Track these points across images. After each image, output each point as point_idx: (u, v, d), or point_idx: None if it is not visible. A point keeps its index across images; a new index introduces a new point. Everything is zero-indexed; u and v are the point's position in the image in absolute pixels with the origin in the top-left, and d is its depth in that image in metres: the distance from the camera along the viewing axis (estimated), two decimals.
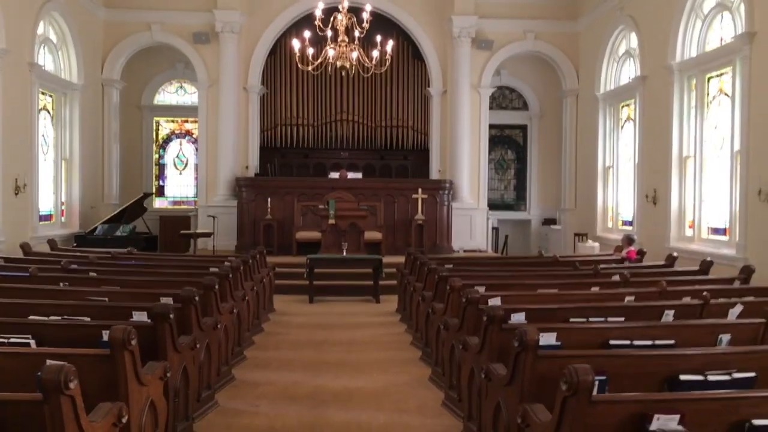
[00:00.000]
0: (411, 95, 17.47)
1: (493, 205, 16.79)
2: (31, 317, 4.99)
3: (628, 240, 10.71)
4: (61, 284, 6.95)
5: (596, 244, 13.58)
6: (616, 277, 8.10)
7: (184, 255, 12.25)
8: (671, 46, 11.40)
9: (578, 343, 4.53)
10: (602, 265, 9.76)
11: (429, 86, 16.40)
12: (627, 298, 6.31)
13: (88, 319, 5.16)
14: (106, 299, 5.95)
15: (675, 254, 9.43)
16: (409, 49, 17.30)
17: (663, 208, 11.72)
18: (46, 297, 5.79)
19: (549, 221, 17.93)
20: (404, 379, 6.55)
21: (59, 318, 5.08)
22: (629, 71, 13.69)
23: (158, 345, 4.44)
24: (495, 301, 5.97)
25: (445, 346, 5.88)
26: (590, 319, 5.40)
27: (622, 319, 5.41)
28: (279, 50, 16.99)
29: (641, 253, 10.49)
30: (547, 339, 4.50)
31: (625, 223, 13.92)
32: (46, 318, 5.02)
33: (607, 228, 14.63)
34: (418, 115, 17.48)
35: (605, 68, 14.57)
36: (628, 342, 4.62)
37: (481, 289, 6.69)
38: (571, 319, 5.39)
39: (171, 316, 4.40)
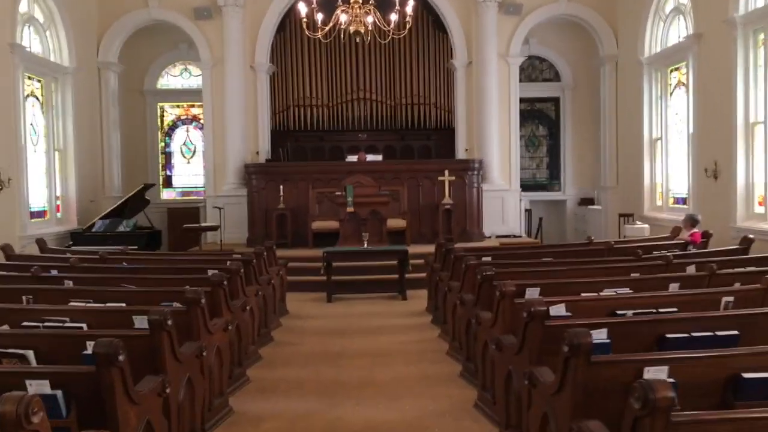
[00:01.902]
0: (433, 70, 16.08)
1: (524, 186, 15.37)
2: None
3: (691, 220, 9.28)
4: (24, 299, 5.75)
5: (646, 226, 12.15)
6: (691, 269, 6.76)
7: (185, 253, 11.07)
8: None
9: (703, 379, 3.24)
10: (666, 252, 8.43)
11: (452, 58, 14.99)
12: (725, 300, 4.97)
13: (31, 352, 3.98)
14: (67, 320, 4.75)
15: (752, 236, 8.04)
16: (429, 20, 15.90)
17: (726, 182, 10.27)
18: None
19: (586, 201, 16.50)
20: (443, 406, 5.26)
21: None
22: (679, 31, 12.17)
23: (111, 397, 3.21)
24: (559, 310, 4.69)
25: (498, 369, 4.58)
26: (693, 335, 4.09)
27: (735, 332, 4.10)
28: (288, 25, 15.67)
29: (707, 236, 9.10)
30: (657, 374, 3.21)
31: (677, 200, 12.47)
32: None
33: (655, 207, 13.18)
34: (441, 92, 16.10)
35: (650, 29, 13.05)
36: None
37: (535, 293, 5.40)
38: (668, 335, 4.08)
39: (120, 357, 3.16)
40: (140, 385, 3.49)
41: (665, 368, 3.33)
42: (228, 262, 7.31)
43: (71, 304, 5.49)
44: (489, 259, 7.54)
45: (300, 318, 8.89)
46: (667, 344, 4.07)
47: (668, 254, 6.87)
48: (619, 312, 4.81)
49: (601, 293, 5.60)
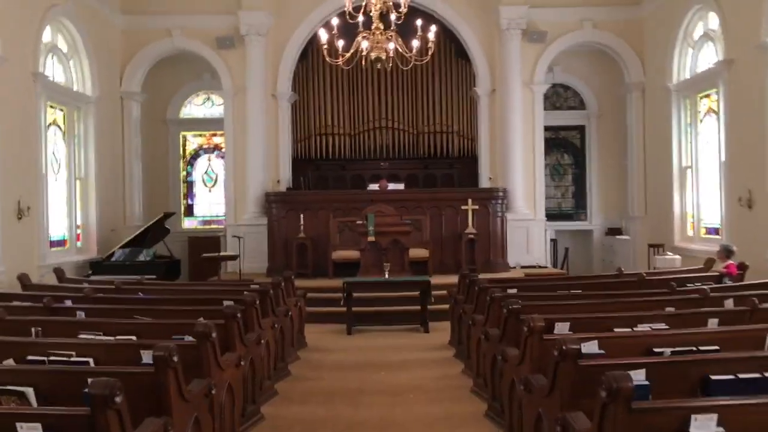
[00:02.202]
0: (455, 98, 15.96)
1: (549, 215, 15.02)
2: None
3: (726, 251, 8.91)
4: (33, 331, 5.57)
5: (677, 257, 11.75)
6: (729, 303, 6.41)
7: (203, 283, 10.89)
8: (766, 20, 9.61)
9: (754, 428, 2.92)
10: (701, 284, 8.06)
11: (475, 86, 14.81)
12: None
13: (31, 389, 3.77)
14: (73, 354, 4.55)
15: None
16: (452, 48, 15.83)
17: (762, 211, 9.88)
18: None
19: (613, 231, 16.10)
20: None
21: None
22: (708, 56, 11.89)
23: None
24: (591, 347, 4.38)
25: (527, 411, 4.28)
26: (740, 376, 3.77)
27: None
28: (310, 54, 15.67)
29: (743, 268, 8.70)
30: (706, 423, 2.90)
31: (709, 230, 12.06)
32: None
33: (686, 237, 12.77)
34: (463, 120, 15.94)
35: (677, 55, 12.78)
36: None
37: (564, 328, 5.11)
38: (713, 377, 3.76)
39: (117, 399, 2.92)
40: (140, 428, 3.24)
41: (714, 416, 3.03)
42: (245, 292, 7.12)
43: (81, 336, 5.31)
44: (515, 291, 7.25)
45: (319, 351, 8.62)
46: (713, 387, 3.75)
47: (705, 287, 6.52)
48: (656, 350, 4.50)
49: (635, 329, 5.30)
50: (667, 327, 5.31)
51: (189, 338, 4.86)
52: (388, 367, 7.58)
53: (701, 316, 5.57)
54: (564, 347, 3.57)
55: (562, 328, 5.08)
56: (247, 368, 5.39)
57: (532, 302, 6.10)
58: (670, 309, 6.20)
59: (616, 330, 5.19)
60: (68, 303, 7.18)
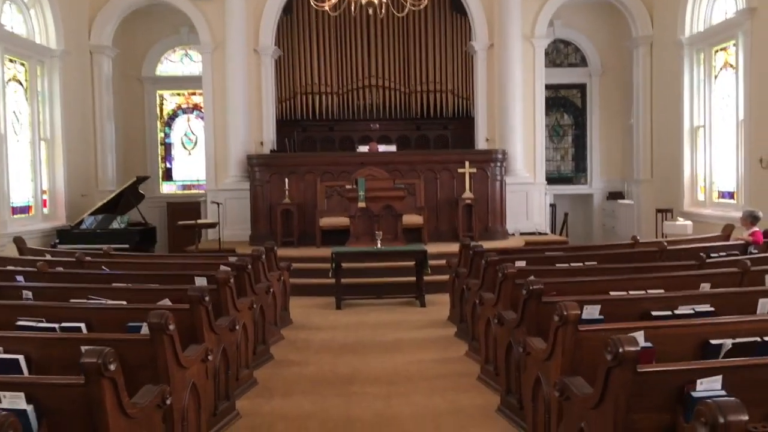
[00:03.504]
0: (450, 55, 14.96)
1: (548, 179, 14.13)
2: None
3: (752, 217, 8.12)
4: None
5: (688, 223, 10.98)
6: None
7: (177, 255, 10.05)
8: None
9: None
10: (725, 254, 7.33)
11: (471, 40, 13.82)
12: None
13: None
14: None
15: None
16: (448, 1, 14.78)
17: None
18: None
19: (615, 195, 15.35)
20: None
21: None
22: (726, 6, 10.97)
23: None
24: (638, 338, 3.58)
25: (567, 421, 3.46)
26: None
27: None
28: (295, 5, 14.61)
29: None
30: None
31: (723, 194, 11.28)
32: None
33: (697, 202, 11.99)
34: (458, 78, 14.97)
35: (691, 5, 11.84)
36: None
37: (594, 312, 4.32)
38: None
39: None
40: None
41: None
42: (220, 267, 6.28)
43: (19, 323, 4.47)
44: (524, 264, 6.46)
45: (305, 329, 7.82)
46: None
47: (744, 259, 5.73)
48: (712, 342, 3.71)
49: (676, 311, 4.51)
50: (712, 309, 4.53)
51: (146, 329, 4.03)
52: (382, 349, 6.80)
53: (747, 296, 4.78)
54: (620, 350, 2.75)
55: (591, 312, 4.29)
56: (219, 361, 4.56)
57: (544, 278, 5.31)
58: (705, 285, 5.43)
59: (654, 314, 4.41)
60: (20, 279, 6.34)
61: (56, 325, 4.39)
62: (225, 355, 4.72)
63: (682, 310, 4.51)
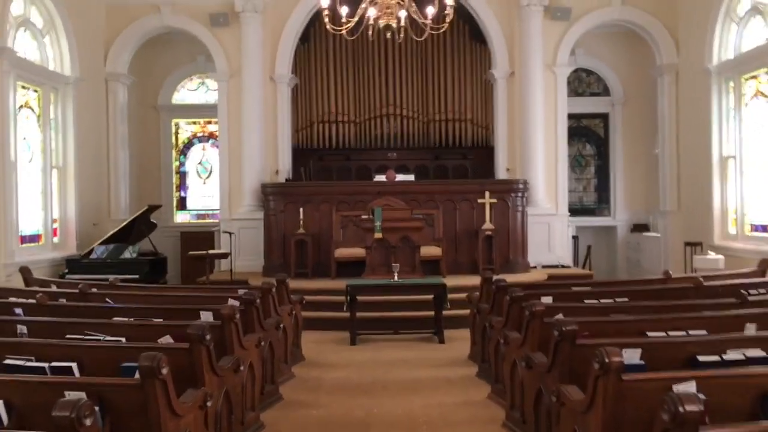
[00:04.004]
0: (469, 83, 14.72)
1: (570, 210, 13.71)
2: None
3: None
4: None
5: (720, 257, 10.50)
6: None
7: (185, 287, 9.70)
8: None
9: None
10: (764, 290, 6.86)
11: (491, 68, 13.54)
12: None
13: None
14: None
15: None
16: (466, 29, 14.59)
17: None
18: None
19: (640, 227, 14.88)
20: None
21: None
22: (757, 33, 10.61)
23: None
24: (687, 387, 3.17)
25: None
26: None
27: None
28: (312, 34, 14.49)
29: None
30: None
31: (756, 228, 10.79)
32: None
33: (728, 235, 11.50)
34: (477, 107, 14.71)
35: (719, 32, 11.49)
36: None
37: (635, 356, 3.90)
38: None
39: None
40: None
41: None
42: (229, 301, 5.93)
43: (7, 361, 4.13)
44: (550, 300, 6.04)
45: (318, 366, 7.42)
46: None
47: None
48: None
49: (724, 356, 4.08)
50: (765, 355, 4.10)
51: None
52: (399, 389, 6.38)
53: None
54: (679, 408, 2.35)
55: (631, 356, 3.87)
56: (221, 405, 4.19)
57: (576, 316, 4.91)
58: (750, 326, 4.99)
59: (701, 359, 3.98)
60: (18, 312, 6.03)
61: (46, 365, 4.06)
62: (228, 399, 4.35)
63: (731, 354, 4.08)
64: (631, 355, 3.88)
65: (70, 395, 3.19)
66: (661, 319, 4.97)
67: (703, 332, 4.70)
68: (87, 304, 6.29)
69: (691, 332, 4.69)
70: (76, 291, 6.90)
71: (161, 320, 5.39)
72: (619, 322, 4.90)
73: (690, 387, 3.11)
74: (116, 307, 6.06)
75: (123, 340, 4.73)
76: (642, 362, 3.89)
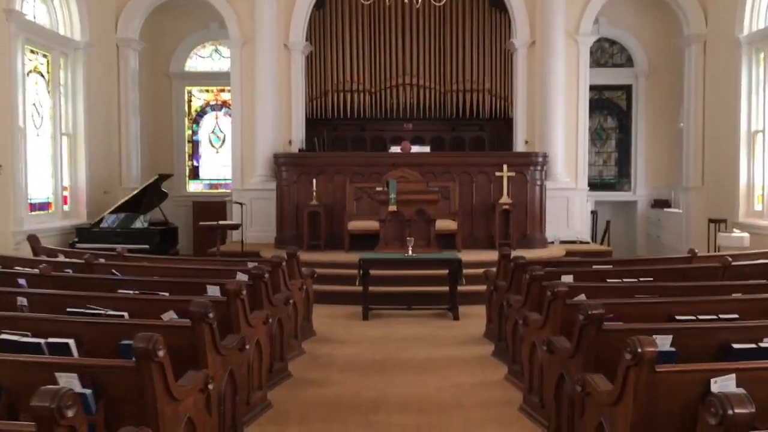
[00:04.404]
0: (488, 53, 14.28)
1: (590, 184, 13.34)
2: None
3: None
4: None
5: (745, 235, 10.17)
6: None
7: (193, 259, 9.54)
8: None
9: None
10: None
11: (511, 37, 13.13)
12: None
13: None
14: None
15: None
16: None
17: None
18: None
19: (660, 203, 14.50)
20: None
21: None
22: None
23: None
24: (726, 384, 2.92)
25: None
26: None
27: None
28: (328, 1, 14.08)
29: None
30: None
31: None
32: None
33: (754, 212, 11.14)
34: (496, 77, 14.29)
35: (750, 1, 11.01)
36: None
37: (666, 343, 3.65)
38: None
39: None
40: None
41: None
42: (237, 276, 5.72)
43: (1, 336, 3.95)
44: (571, 279, 5.77)
45: (329, 342, 7.24)
46: None
47: None
48: None
49: (761, 344, 3.82)
50: None
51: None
52: (411, 368, 6.18)
53: None
54: (728, 411, 2.10)
55: (662, 343, 3.61)
56: (225, 385, 3.99)
57: (599, 297, 4.65)
58: None
59: (736, 347, 3.72)
60: (22, 283, 5.87)
61: (42, 341, 3.87)
62: (233, 379, 4.15)
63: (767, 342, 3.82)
64: (662, 342, 3.63)
65: (61, 377, 3.01)
66: (689, 301, 4.70)
67: (735, 316, 4.43)
68: (92, 276, 6.12)
69: (721, 316, 4.42)
70: (83, 261, 6.74)
71: (167, 294, 5.20)
72: (645, 304, 4.64)
73: (729, 381, 2.86)
74: (123, 279, 5.87)
75: (126, 314, 4.53)
76: (673, 349, 3.64)
